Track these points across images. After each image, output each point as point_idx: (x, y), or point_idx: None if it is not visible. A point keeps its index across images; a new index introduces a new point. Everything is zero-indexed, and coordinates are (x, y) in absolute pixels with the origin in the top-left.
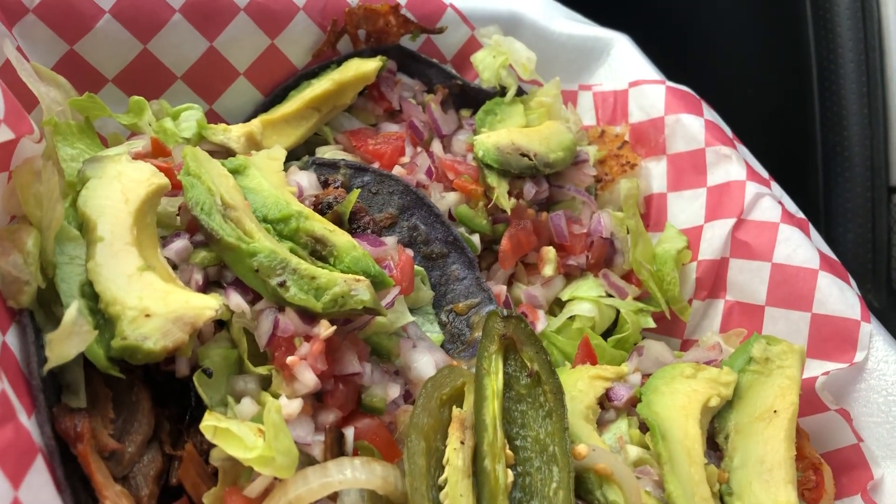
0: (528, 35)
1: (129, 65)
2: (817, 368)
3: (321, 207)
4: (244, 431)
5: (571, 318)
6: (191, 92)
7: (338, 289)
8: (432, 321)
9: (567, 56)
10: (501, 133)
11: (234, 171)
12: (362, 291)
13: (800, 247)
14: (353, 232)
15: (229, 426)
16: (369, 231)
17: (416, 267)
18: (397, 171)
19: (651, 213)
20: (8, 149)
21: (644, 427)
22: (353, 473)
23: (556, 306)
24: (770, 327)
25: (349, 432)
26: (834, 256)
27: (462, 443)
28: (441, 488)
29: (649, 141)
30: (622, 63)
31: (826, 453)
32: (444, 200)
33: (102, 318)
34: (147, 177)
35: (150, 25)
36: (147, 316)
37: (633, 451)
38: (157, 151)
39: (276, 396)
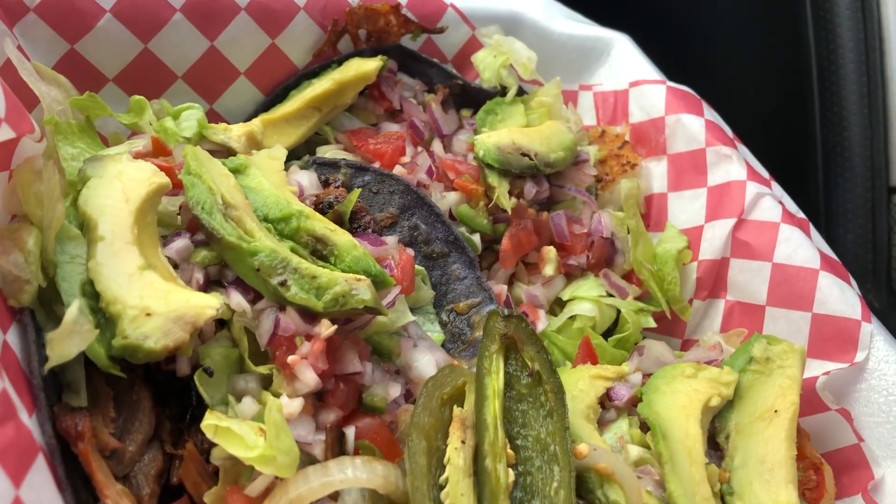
0: (528, 35)
1: (130, 64)
2: (818, 368)
3: (322, 207)
4: (245, 430)
5: (572, 317)
6: (191, 91)
7: (339, 288)
8: (433, 321)
9: (567, 56)
10: (502, 133)
11: (235, 171)
12: (363, 291)
13: (800, 247)
14: (353, 231)
15: (230, 425)
16: (370, 230)
17: (416, 266)
18: (398, 170)
19: (651, 212)
20: (9, 148)
21: (645, 427)
22: (355, 472)
23: (556, 306)
24: (771, 327)
25: (350, 431)
26: (834, 256)
27: (463, 442)
28: (442, 488)
29: (650, 141)
30: (623, 63)
31: (827, 453)
32: (445, 200)
33: (103, 317)
34: (148, 176)
35: (151, 25)
36: (148, 315)
37: (634, 451)
38: (158, 151)
39: (277, 395)
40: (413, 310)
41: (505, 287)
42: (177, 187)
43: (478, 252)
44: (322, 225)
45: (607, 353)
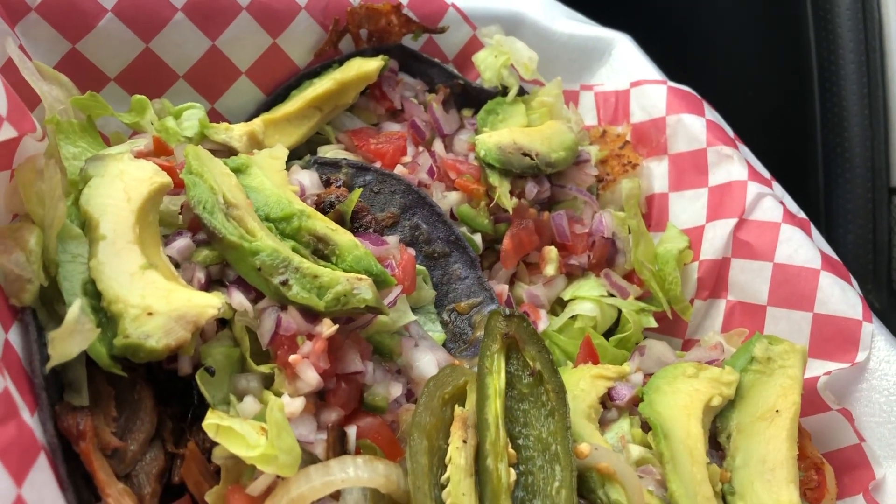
0: (529, 35)
1: (131, 63)
2: (819, 368)
3: (323, 206)
4: (247, 430)
5: (573, 317)
6: (193, 91)
7: (340, 287)
8: (434, 320)
9: (568, 56)
10: (503, 133)
11: (237, 170)
12: (365, 290)
13: (801, 247)
14: (355, 231)
15: (232, 424)
16: (371, 230)
17: (417, 266)
18: (399, 170)
19: (653, 212)
20: (10, 147)
21: (646, 426)
22: (356, 472)
23: (557, 306)
24: (772, 327)
25: (351, 431)
26: (836, 257)
27: (464, 441)
28: (443, 487)
29: (651, 141)
30: (623, 63)
31: (828, 453)
32: (446, 200)
33: (105, 316)
34: (149, 175)
35: (153, 24)
36: (149, 314)
37: (636, 451)
38: (159, 150)
39: (279, 395)
40: (414, 309)
41: (506, 287)
42: (178, 187)
43: (479, 252)
44: (323, 224)
45: (608, 352)
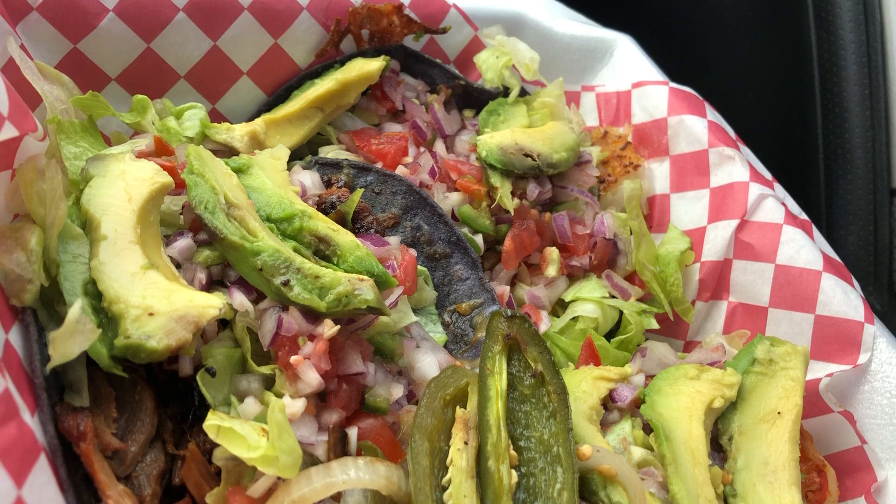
0: (531, 35)
1: (133, 63)
2: (821, 370)
3: (324, 207)
4: (248, 431)
5: (575, 318)
6: (194, 91)
7: (342, 288)
8: (435, 321)
9: (570, 57)
10: (504, 133)
11: (238, 170)
12: (366, 291)
13: (803, 248)
14: (356, 232)
15: (233, 426)
16: (372, 231)
17: (419, 267)
18: (400, 171)
19: (654, 214)
20: (11, 147)
21: (648, 428)
22: (357, 473)
23: (559, 307)
24: (773, 329)
25: (353, 432)
26: (837, 258)
27: (466, 443)
28: (445, 489)
29: (652, 142)
30: (625, 64)
31: (830, 455)
32: (448, 200)
33: (105, 316)
34: (150, 175)
35: (154, 24)
36: (150, 314)
37: (637, 452)
38: (161, 150)
39: (280, 396)
40: (415, 310)
41: (507, 288)
42: (179, 187)
43: (480, 253)
44: (325, 225)
45: (610, 354)
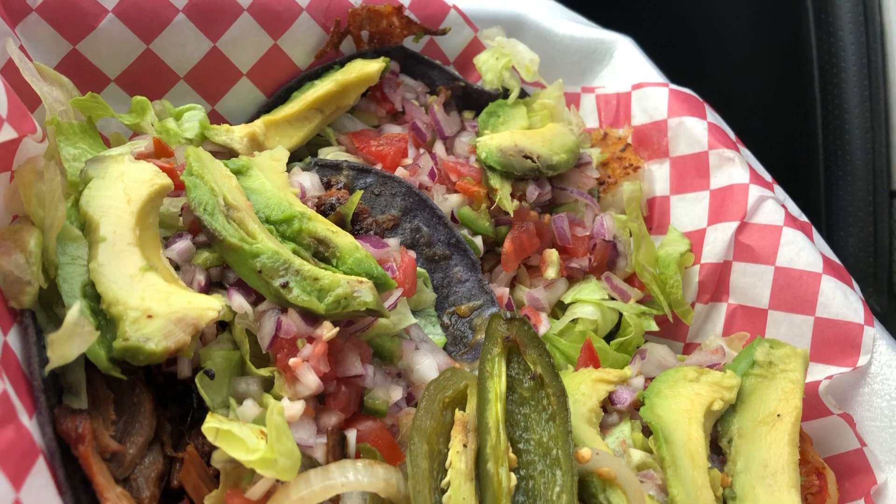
0: (531, 37)
1: (132, 65)
2: (821, 372)
3: (324, 209)
4: (246, 433)
5: (574, 320)
6: (193, 92)
7: (341, 290)
8: (435, 323)
9: (570, 58)
10: (504, 135)
11: (237, 172)
12: (365, 293)
13: (803, 250)
14: (355, 233)
15: (231, 428)
16: (372, 232)
17: (418, 269)
18: (400, 172)
19: (654, 215)
20: (10, 148)
21: (647, 431)
22: (356, 476)
23: (558, 309)
24: (773, 331)
25: (351, 435)
26: (837, 260)
27: (465, 446)
28: (444, 491)
29: (652, 143)
30: (625, 65)
31: (829, 458)
32: (447, 202)
33: (104, 318)
34: (150, 177)
35: (153, 25)
36: (149, 317)
37: (637, 455)
38: (160, 152)
39: (279, 398)
40: (415, 312)
41: (507, 290)
42: (178, 188)
43: (479, 254)
44: (324, 227)
45: (609, 356)
